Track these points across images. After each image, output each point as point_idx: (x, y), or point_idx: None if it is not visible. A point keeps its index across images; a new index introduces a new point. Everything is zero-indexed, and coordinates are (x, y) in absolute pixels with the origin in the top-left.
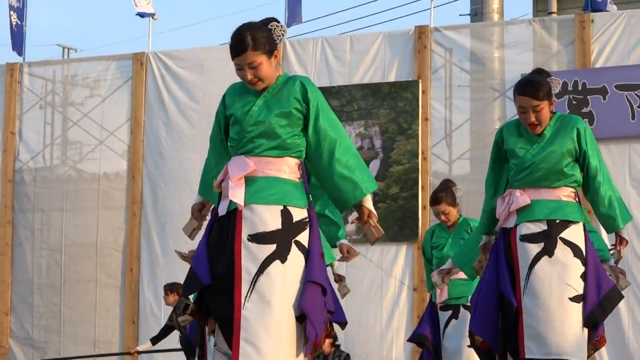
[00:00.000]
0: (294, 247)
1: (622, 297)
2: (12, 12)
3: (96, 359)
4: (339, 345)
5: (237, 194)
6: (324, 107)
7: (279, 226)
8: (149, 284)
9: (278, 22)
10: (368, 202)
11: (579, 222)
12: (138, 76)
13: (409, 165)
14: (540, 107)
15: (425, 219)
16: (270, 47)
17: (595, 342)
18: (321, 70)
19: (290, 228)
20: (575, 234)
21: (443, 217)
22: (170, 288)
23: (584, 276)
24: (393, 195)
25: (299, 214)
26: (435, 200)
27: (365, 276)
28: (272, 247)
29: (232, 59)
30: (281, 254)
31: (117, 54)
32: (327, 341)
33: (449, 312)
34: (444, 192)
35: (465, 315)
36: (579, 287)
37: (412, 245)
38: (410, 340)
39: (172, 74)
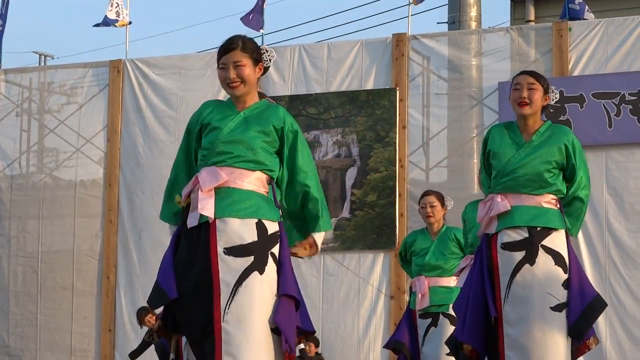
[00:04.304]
0: (269, 258)
1: (605, 305)
2: None
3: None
4: (320, 354)
5: (206, 207)
6: (302, 141)
7: (255, 238)
8: (125, 292)
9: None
10: (319, 238)
11: (560, 229)
12: (115, 83)
13: (386, 173)
14: (534, 86)
15: (403, 226)
16: (257, 57)
17: (576, 348)
18: (298, 78)
19: (265, 240)
20: (556, 241)
21: (429, 209)
22: (145, 312)
23: (566, 284)
24: (370, 202)
25: (272, 227)
26: (426, 192)
27: (342, 284)
28: (249, 259)
29: (219, 60)
30: (259, 266)
31: (94, 61)
32: (311, 348)
33: (429, 320)
34: (436, 192)
35: (444, 323)
36: (560, 296)
37: (390, 253)
38: (386, 346)
39: (149, 81)
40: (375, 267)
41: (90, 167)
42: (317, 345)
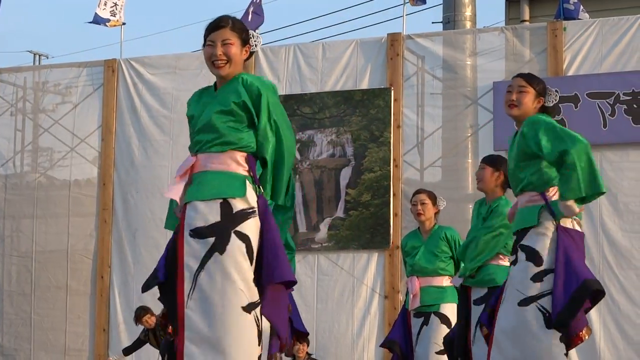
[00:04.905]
0: (233, 237)
1: (594, 287)
2: None
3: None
4: (311, 355)
5: (173, 191)
6: (266, 100)
7: (218, 219)
8: (119, 292)
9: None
10: None
11: (532, 224)
12: (109, 83)
13: (381, 172)
14: (525, 89)
15: (397, 226)
16: (245, 38)
17: (568, 339)
18: (293, 77)
19: (229, 219)
20: (532, 236)
21: (419, 207)
22: (144, 312)
23: (538, 277)
24: (365, 202)
25: (240, 204)
26: (417, 190)
27: (336, 284)
28: (211, 241)
29: (206, 37)
30: (220, 246)
31: (89, 61)
32: (303, 348)
33: (421, 319)
34: (428, 190)
35: (435, 322)
36: (528, 290)
37: (384, 253)
38: (382, 345)
39: (144, 81)
40: (369, 266)
41: (85, 166)
42: (308, 345)
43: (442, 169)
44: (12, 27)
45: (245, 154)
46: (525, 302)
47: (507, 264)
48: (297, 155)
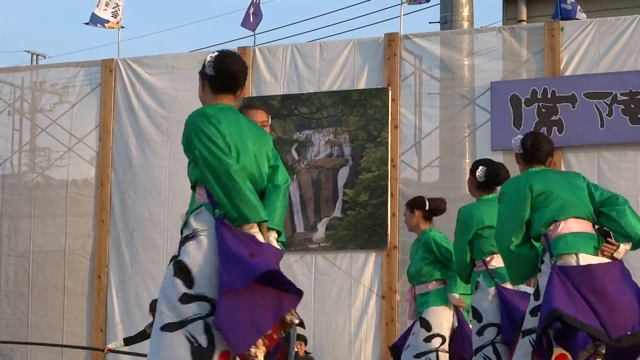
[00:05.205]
0: (170, 265)
1: (556, 314)
2: None
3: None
4: (309, 353)
5: None
6: (189, 135)
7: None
8: (117, 292)
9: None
10: None
11: (541, 263)
12: (107, 83)
13: (378, 172)
14: None
15: (394, 226)
16: (201, 71)
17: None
18: (291, 77)
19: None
20: (539, 274)
21: (404, 218)
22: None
23: (534, 311)
24: (362, 202)
25: (184, 232)
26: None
27: (334, 283)
28: None
29: None
30: None
31: (86, 61)
32: (301, 347)
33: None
34: (415, 198)
35: (416, 326)
36: (526, 323)
37: (381, 253)
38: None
39: (141, 81)
40: (367, 266)
41: (82, 166)
42: (306, 344)
43: (440, 169)
44: (9, 27)
45: (203, 185)
46: (524, 333)
47: (480, 269)
48: (295, 155)
